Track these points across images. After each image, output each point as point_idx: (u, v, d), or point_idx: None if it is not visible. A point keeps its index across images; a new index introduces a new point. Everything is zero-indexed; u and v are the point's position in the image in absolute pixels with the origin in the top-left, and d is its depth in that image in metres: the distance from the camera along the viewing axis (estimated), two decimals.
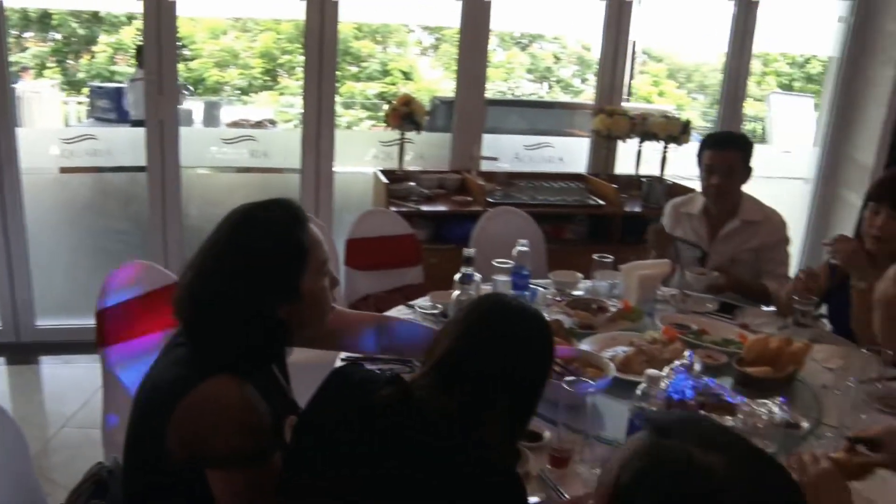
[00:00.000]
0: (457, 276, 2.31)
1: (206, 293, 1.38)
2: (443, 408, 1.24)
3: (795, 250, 4.26)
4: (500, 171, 4.08)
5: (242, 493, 1.32)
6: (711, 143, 2.97)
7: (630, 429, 1.56)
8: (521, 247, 2.53)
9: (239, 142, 4.26)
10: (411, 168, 4.01)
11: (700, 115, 9.13)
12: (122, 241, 4.25)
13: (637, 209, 4.13)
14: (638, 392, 1.59)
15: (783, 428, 1.71)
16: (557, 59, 10.65)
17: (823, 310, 2.70)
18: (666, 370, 1.69)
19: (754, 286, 2.89)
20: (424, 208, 3.71)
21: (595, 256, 2.78)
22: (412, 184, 3.85)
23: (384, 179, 3.76)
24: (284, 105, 9.14)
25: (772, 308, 2.76)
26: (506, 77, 10.02)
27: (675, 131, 4.19)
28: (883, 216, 2.42)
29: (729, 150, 2.91)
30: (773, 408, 1.75)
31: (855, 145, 4.66)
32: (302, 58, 3.98)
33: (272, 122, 7.96)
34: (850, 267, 2.44)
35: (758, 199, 3.03)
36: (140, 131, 3.91)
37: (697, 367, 1.82)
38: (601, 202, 4.05)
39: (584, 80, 10.02)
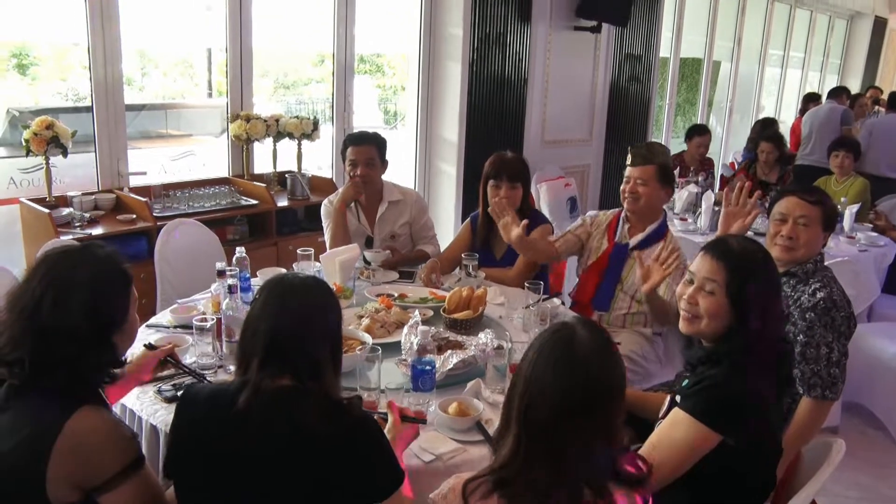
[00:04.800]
0: (214, 286, 2.56)
1: (50, 338, 1.45)
2: (290, 396, 1.49)
3: None
4: (154, 185, 4.15)
5: (138, 500, 1.51)
6: (352, 141, 3.52)
7: (413, 372, 2.05)
8: (238, 254, 2.84)
9: None
10: (61, 194, 3.87)
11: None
12: None
13: (285, 203, 4.57)
14: (409, 346, 2.10)
15: (495, 349, 2.36)
16: None
17: None
18: (412, 324, 2.24)
19: (414, 255, 3.57)
20: (95, 232, 3.68)
21: (299, 251, 3.16)
22: (70, 209, 3.76)
23: (43, 209, 3.61)
24: None
25: None
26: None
27: (307, 129, 4.71)
28: (504, 188, 3.26)
29: (366, 145, 3.48)
30: (484, 338, 2.40)
31: (442, 126, 5.69)
32: None
33: None
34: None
35: (393, 182, 3.67)
36: None
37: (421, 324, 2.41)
38: (254, 201, 4.39)
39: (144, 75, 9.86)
